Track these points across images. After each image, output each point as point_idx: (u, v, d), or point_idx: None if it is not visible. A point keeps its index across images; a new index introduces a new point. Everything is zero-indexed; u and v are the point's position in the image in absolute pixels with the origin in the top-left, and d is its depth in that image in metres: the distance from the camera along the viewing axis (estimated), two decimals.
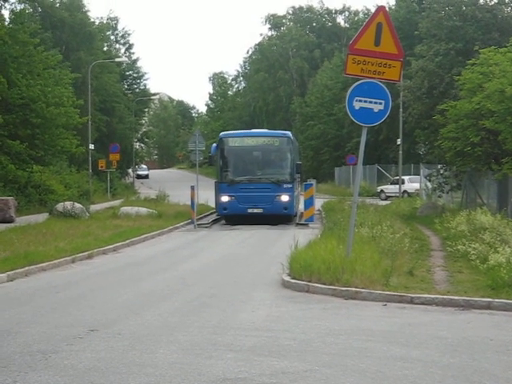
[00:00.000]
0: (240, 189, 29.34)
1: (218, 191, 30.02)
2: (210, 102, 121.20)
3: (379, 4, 57.68)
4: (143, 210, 32.32)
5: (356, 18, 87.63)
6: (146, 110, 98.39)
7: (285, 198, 29.30)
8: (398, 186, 46.92)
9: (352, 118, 14.21)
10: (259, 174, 30.07)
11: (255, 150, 30.52)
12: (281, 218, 29.47)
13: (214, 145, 31.39)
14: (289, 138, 30.76)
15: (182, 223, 30.08)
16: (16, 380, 7.44)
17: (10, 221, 27.77)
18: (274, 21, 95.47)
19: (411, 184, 48.84)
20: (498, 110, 23.43)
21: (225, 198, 29.60)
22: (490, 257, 13.97)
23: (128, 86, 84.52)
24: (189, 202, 30.99)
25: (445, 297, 11.59)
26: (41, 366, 7.98)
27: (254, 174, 30.09)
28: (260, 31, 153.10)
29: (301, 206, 32.40)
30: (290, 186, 29.53)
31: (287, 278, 13.68)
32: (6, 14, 40.44)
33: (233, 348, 8.67)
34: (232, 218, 30.16)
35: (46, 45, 42.79)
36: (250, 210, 29.32)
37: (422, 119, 32.77)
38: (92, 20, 69.29)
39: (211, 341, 9.05)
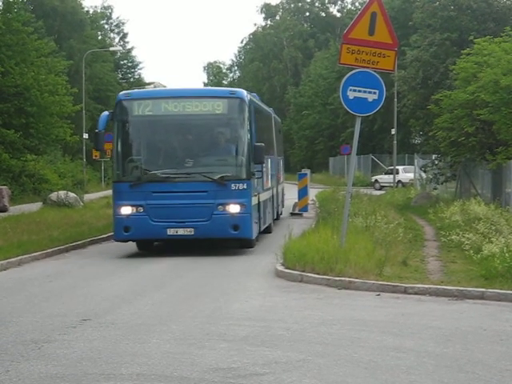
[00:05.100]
0: (153, 193, 16.70)
1: (114, 198, 17.43)
2: None
3: None
4: None
5: (350, 8, 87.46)
6: None
7: (234, 208, 16.78)
8: (392, 176, 46.91)
9: (346, 107, 14.21)
10: (189, 165, 17.16)
11: (181, 123, 17.40)
12: (228, 242, 17.98)
13: (106, 113, 17.60)
14: (242, 99, 17.38)
15: None
16: (8, 369, 7.42)
17: (4, 210, 27.72)
18: (269, 10, 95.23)
19: (405, 174, 48.84)
20: (492, 100, 23.40)
21: (126, 210, 16.86)
22: (484, 247, 13.94)
23: (122, 75, 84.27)
24: None
25: (438, 287, 11.57)
26: (33, 355, 7.97)
27: (179, 165, 17.17)
28: (254, 21, 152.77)
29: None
30: (243, 185, 16.86)
31: (281, 268, 13.65)
32: None
33: (226, 338, 8.66)
34: (142, 244, 18.02)
35: (39, 34, 42.60)
36: (170, 232, 16.78)
37: (416, 109, 32.78)
38: (85, 9, 69.32)
39: (204, 330, 9.04)
